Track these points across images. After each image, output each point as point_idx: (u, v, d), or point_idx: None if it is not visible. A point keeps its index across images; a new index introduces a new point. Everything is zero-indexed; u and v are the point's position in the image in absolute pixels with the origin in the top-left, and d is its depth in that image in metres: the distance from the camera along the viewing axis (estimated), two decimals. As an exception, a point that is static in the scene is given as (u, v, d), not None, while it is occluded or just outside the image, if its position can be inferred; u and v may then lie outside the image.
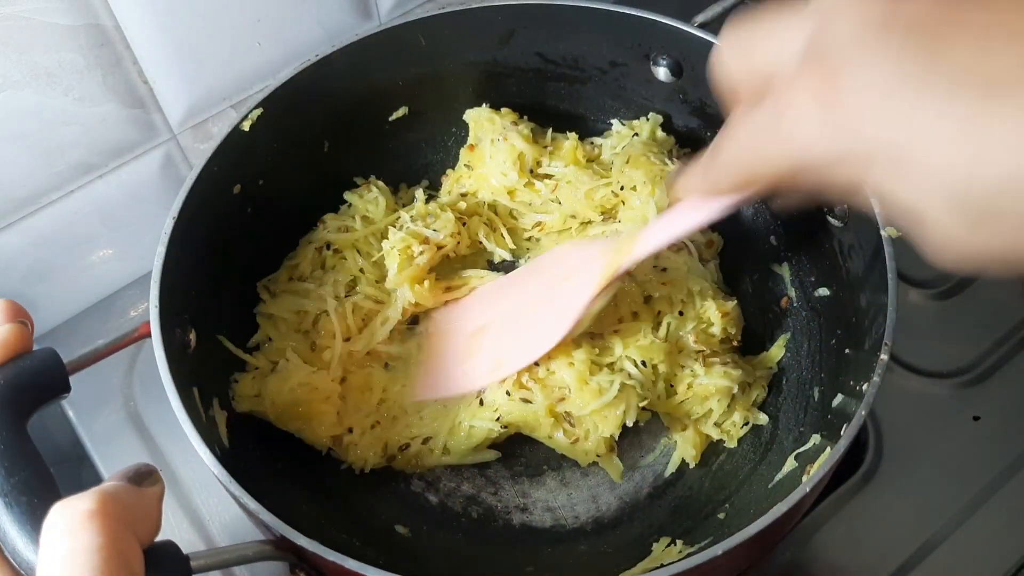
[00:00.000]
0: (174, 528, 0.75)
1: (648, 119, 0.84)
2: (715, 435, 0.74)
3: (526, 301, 0.74)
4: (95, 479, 0.79)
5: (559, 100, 0.86)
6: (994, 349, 0.82)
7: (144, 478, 0.42)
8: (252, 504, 0.53)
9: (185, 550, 0.73)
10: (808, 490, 0.54)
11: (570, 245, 0.75)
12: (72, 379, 0.55)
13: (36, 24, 0.68)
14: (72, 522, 0.37)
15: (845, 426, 0.58)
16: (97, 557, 0.36)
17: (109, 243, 0.85)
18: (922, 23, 0.32)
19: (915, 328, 0.83)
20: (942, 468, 0.76)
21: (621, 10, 0.75)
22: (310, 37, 0.84)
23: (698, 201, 0.53)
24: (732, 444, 0.74)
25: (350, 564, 0.50)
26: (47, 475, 0.44)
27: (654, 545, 0.69)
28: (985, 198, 0.31)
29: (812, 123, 0.35)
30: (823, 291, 0.74)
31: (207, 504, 0.76)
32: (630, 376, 0.71)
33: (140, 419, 0.81)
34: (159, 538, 0.42)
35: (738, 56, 0.41)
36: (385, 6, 0.87)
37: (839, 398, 0.66)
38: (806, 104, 0.35)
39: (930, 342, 0.82)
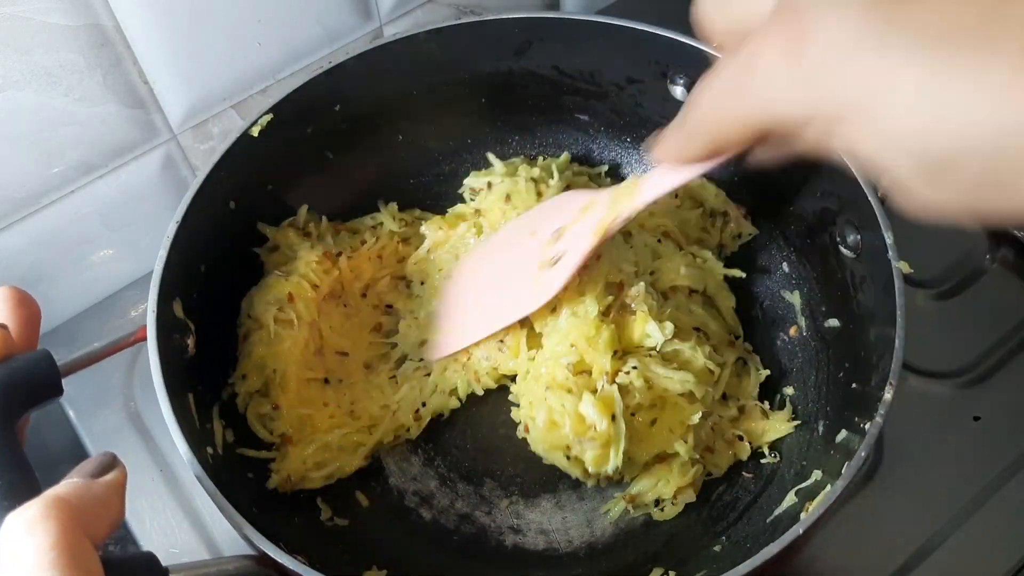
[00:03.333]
0: (174, 529, 0.74)
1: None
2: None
3: (521, 254, 0.75)
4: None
5: (573, 114, 0.86)
6: (994, 349, 0.82)
7: (104, 470, 0.43)
8: (237, 518, 0.54)
9: (184, 553, 0.73)
10: (802, 532, 0.54)
11: (565, 195, 0.75)
12: (72, 379, 0.55)
13: (36, 24, 0.68)
14: (19, 530, 0.37)
15: (846, 464, 0.58)
16: (44, 560, 0.36)
17: (109, 243, 0.85)
18: None
19: (916, 328, 0.82)
20: (942, 468, 0.76)
21: (640, 27, 0.75)
22: (310, 37, 0.84)
23: (675, 166, 0.54)
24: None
25: None
26: (32, 479, 0.43)
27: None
28: (941, 154, 0.32)
29: (779, 76, 0.36)
30: (833, 322, 0.74)
31: (208, 505, 0.76)
32: None
33: (140, 419, 0.81)
34: (144, 548, 0.42)
35: (717, 8, 0.42)
36: (385, 6, 0.87)
37: (843, 434, 0.66)
38: (774, 57, 0.35)
39: (930, 342, 0.82)
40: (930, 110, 0.31)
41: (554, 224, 0.72)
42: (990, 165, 0.31)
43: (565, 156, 0.86)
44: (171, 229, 0.64)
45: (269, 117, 0.72)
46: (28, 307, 0.50)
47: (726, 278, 0.81)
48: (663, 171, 0.60)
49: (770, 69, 0.36)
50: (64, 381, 0.50)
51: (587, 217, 0.69)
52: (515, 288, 0.74)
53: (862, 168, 0.37)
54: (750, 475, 0.72)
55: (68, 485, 0.41)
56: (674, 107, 0.79)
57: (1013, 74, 0.30)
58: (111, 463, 0.43)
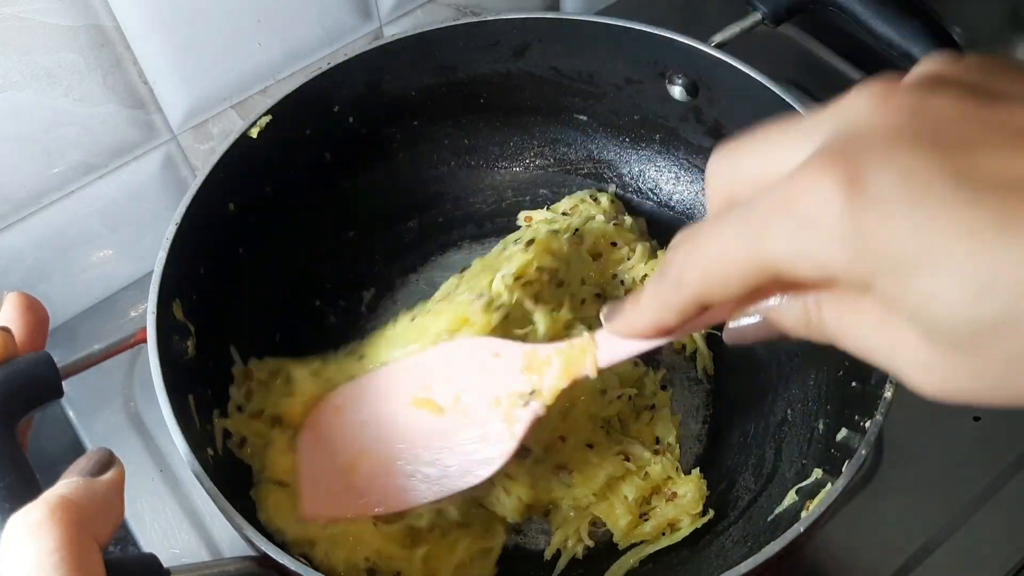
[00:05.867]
0: (174, 530, 0.74)
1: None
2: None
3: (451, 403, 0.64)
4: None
5: (572, 114, 0.86)
6: (994, 349, 0.82)
7: (102, 468, 0.42)
8: (238, 518, 0.54)
9: (184, 553, 0.73)
10: (803, 530, 0.54)
11: (487, 344, 0.64)
12: (72, 380, 0.55)
13: (36, 24, 0.68)
14: (22, 532, 0.37)
15: (847, 462, 0.58)
16: (47, 563, 0.36)
17: (109, 243, 0.85)
18: (953, 126, 0.30)
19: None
20: (942, 468, 0.76)
21: (638, 27, 0.75)
22: (310, 37, 0.84)
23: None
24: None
25: None
26: (33, 481, 0.43)
27: (649, 575, 0.68)
28: (987, 319, 0.29)
29: (830, 219, 0.30)
30: None
31: (208, 505, 0.76)
32: None
33: (140, 419, 0.81)
34: (143, 549, 0.42)
35: (727, 166, 0.37)
36: (385, 7, 0.87)
37: (843, 432, 0.66)
38: (829, 188, 0.30)
39: (930, 342, 0.82)
40: (987, 270, 0.28)
41: (457, 382, 0.63)
42: None
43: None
44: (170, 230, 0.64)
45: (268, 118, 0.72)
46: (36, 312, 0.50)
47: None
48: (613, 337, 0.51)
49: (819, 209, 0.30)
50: (64, 382, 0.50)
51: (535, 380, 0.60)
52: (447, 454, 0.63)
53: (857, 352, 0.34)
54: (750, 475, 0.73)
55: (70, 485, 0.40)
56: (672, 107, 0.79)
57: None
58: (108, 460, 0.43)
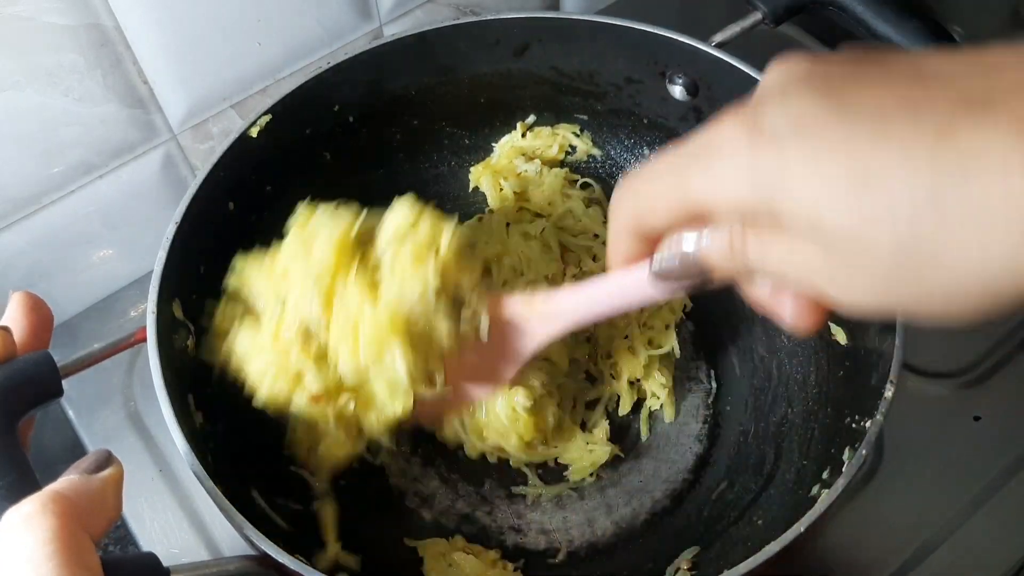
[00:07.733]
0: (174, 529, 0.75)
1: None
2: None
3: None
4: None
5: (572, 114, 0.85)
6: (994, 349, 0.82)
7: (100, 467, 0.43)
8: (237, 517, 0.54)
9: (184, 553, 0.73)
10: (803, 530, 0.54)
11: None
12: (72, 379, 0.55)
13: (36, 24, 0.68)
14: (16, 525, 0.38)
15: (847, 462, 0.58)
16: (41, 553, 0.37)
17: (109, 243, 0.85)
18: (834, 75, 0.36)
19: (915, 328, 0.82)
20: (942, 468, 0.76)
21: (638, 27, 0.75)
22: (310, 37, 0.84)
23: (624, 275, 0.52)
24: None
25: None
26: (32, 480, 0.43)
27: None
28: (856, 231, 0.34)
29: (740, 147, 0.37)
30: (832, 320, 0.74)
31: (208, 505, 0.76)
32: None
33: (140, 419, 0.81)
34: (144, 548, 0.43)
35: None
36: (385, 6, 0.87)
37: (843, 433, 0.66)
38: (736, 131, 0.37)
39: (930, 342, 0.82)
40: (863, 168, 0.33)
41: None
42: (903, 246, 0.33)
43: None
44: (170, 230, 0.65)
45: (268, 118, 0.72)
46: (39, 312, 0.50)
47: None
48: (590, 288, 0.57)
49: (729, 148, 0.38)
50: (64, 381, 0.50)
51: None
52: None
53: (776, 276, 0.40)
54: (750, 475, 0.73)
55: (65, 481, 0.41)
56: (672, 107, 0.79)
57: (928, 149, 0.32)
58: (107, 459, 0.44)
